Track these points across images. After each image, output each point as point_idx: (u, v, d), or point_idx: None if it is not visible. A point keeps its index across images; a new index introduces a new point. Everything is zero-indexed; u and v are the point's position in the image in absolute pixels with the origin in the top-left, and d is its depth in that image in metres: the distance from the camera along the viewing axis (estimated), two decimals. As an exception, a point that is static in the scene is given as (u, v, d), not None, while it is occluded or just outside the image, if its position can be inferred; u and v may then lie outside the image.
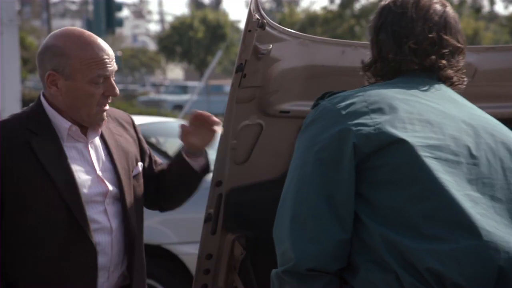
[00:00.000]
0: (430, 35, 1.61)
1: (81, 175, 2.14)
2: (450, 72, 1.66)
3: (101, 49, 2.13)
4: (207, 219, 2.53)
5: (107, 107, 2.18)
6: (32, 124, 2.12)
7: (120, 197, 2.22)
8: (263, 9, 2.35)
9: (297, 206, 1.44)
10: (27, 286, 2.10)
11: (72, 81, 2.11)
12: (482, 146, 1.49)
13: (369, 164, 1.44)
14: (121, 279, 2.26)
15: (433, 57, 1.62)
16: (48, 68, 2.12)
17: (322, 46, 2.49)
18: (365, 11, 32.45)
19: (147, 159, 2.40)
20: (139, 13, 65.12)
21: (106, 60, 2.13)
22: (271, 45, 2.36)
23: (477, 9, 31.81)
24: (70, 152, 2.15)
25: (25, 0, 45.18)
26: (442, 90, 1.63)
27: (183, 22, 40.76)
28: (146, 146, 2.41)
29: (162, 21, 63.39)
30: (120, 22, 16.52)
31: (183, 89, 30.90)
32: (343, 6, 32.64)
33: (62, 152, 2.12)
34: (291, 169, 1.49)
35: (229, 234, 2.60)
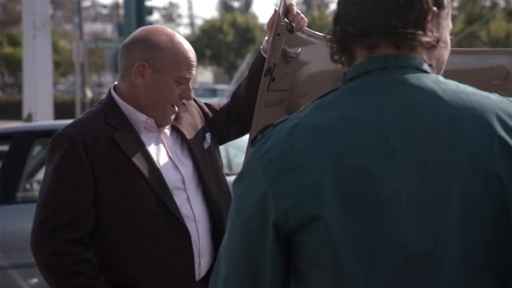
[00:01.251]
0: None
1: (162, 164, 2.20)
2: None
3: (191, 52, 2.23)
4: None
5: (177, 109, 2.25)
6: (110, 119, 2.18)
7: (199, 180, 2.26)
8: (292, 13, 2.35)
9: (226, 280, 1.30)
10: (130, 278, 2.15)
11: (160, 75, 2.18)
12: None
13: (296, 239, 1.26)
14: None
15: None
16: (139, 59, 2.18)
17: (351, 50, 2.48)
18: (395, 13, 32.18)
19: (213, 112, 2.44)
20: (169, 16, 65.55)
21: (193, 63, 2.23)
22: (299, 49, 2.36)
23: (510, 12, 31.47)
24: (148, 143, 2.21)
25: (57, 4, 45.77)
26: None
27: (212, 25, 40.93)
28: (205, 107, 2.44)
29: (192, 24, 63.73)
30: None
31: (213, 92, 30.98)
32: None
33: (142, 144, 2.19)
34: (228, 224, 1.32)
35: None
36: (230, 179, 4.75)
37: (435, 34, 1.34)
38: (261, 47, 2.47)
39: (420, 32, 1.31)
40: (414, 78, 1.30)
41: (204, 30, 41.18)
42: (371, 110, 1.28)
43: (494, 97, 1.34)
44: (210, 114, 2.43)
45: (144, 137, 2.21)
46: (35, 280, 4.45)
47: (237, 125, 2.48)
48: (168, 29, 2.27)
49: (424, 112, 1.27)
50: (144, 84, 2.19)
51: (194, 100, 2.40)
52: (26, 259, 4.41)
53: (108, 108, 2.21)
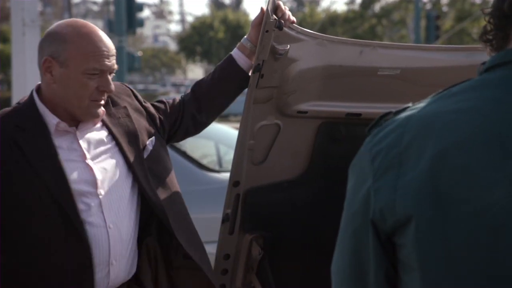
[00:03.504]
0: None
1: (70, 167, 2.07)
2: None
3: (101, 41, 2.06)
4: (224, 220, 2.54)
5: (101, 102, 2.11)
6: (20, 119, 2.07)
7: (133, 185, 2.17)
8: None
9: (337, 273, 1.32)
10: (25, 285, 2.04)
11: (66, 68, 2.05)
12: None
13: (396, 240, 1.17)
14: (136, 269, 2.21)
15: None
16: (46, 54, 2.06)
17: (340, 46, 2.48)
18: (386, 10, 32.29)
19: (161, 113, 2.35)
20: (160, 13, 65.33)
21: (105, 53, 2.06)
22: (288, 46, 2.35)
23: None
24: (60, 145, 2.09)
25: (47, 1, 45.55)
26: None
27: (203, 22, 40.85)
28: (152, 109, 2.34)
29: (182, 21, 63.56)
30: (141, 23, 16.58)
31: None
32: (364, 5, 32.50)
33: (51, 146, 2.06)
34: (343, 214, 1.25)
35: (247, 235, 2.60)
36: (221, 175, 4.77)
37: None
38: (236, 48, 2.43)
39: None
40: None
41: (195, 27, 41.08)
42: (494, 106, 1.13)
43: None
44: (157, 117, 2.33)
45: (56, 139, 2.08)
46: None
47: (186, 125, 2.40)
48: (81, 20, 2.13)
49: None
50: (53, 80, 2.06)
51: (139, 101, 2.31)
52: None
53: (24, 108, 2.10)
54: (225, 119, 23.19)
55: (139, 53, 19.80)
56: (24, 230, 2.03)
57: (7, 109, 2.13)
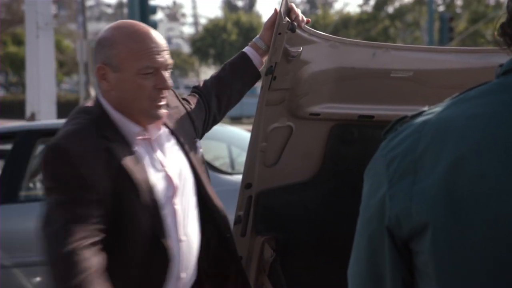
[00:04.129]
0: None
1: (156, 177, 1.99)
2: None
3: (150, 38, 1.98)
4: (236, 221, 2.54)
5: (163, 102, 2.00)
6: (103, 130, 1.96)
7: (198, 189, 2.09)
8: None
9: (353, 277, 1.32)
10: None
11: (120, 72, 1.96)
12: None
13: (413, 246, 1.15)
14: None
15: None
16: (99, 62, 1.99)
17: (353, 48, 2.48)
18: (399, 12, 32.20)
19: (197, 104, 2.30)
20: (173, 15, 65.50)
21: (154, 49, 1.97)
22: (301, 48, 2.35)
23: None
24: (142, 153, 1.99)
25: (62, 3, 45.79)
26: None
27: (216, 24, 40.92)
28: (188, 106, 2.27)
29: (196, 23, 63.67)
30: (154, 25, 16.62)
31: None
32: (377, 7, 32.42)
33: (137, 155, 1.97)
34: (358, 219, 1.25)
35: (259, 237, 2.60)
36: (233, 178, 4.77)
37: None
38: (249, 46, 2.43)
39: None
40: None
41: (208, 30, 41.16)
42: (510, 111, 1.11)
43: None
44: (194, 113, 2.27)
45: (137, 148, 1.99)
46: (37, 279, 4.45)
47: (213, 116, 2.36)
48: (128, 21, 2.07)
49: None
50: (110, 87, 1.98)
51: (179, 99, 2.24)
52: (28, 258, 4.42)
53: (98, 117, 1.99)
54: (237, 121, 23.19)
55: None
56: (120, 243, 1.93)
57: (80, 120, 1.98)
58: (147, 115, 2.00)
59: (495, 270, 1.09)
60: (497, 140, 1.10)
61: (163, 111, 2.01)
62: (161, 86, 1.98)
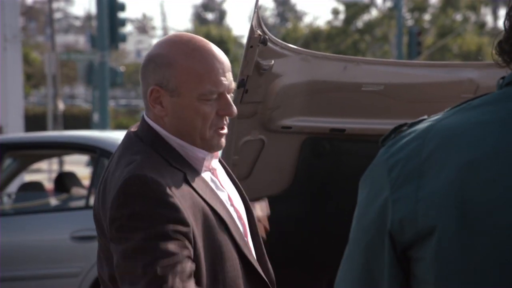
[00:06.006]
0: None
1: (227, 206, 1.80)
2: None
3: (213, 57, 1.72)
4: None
5: (225, 130, 1.75)
6: (169, 158, 1.72)
7: (248, 216, 1.91)
8: (266, 25, 2.35)
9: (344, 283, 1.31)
10: None
11: (178, 97, 1.70)
12: None
13: (413, 253, 1.14)
14: None
15: None
16: (151, 83, 1.72)
17: (324, 62, 2.49)
18: (369, 26, 32.54)
19: None
20: (143, 28, 65.37)
21: (220, 71, 1.71)
22: (273, 61, 2.36)
23: (481, 25, 31.93)
24: (210, 183, 1.78)
25: (31, 16, 45.44)
26: None
27: (186, 37, 40.87)
28: None
29: (165, 36, 63.45)
30: (123, 38, 16.56)
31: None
32: (347, 21, 32.74)
33: (207, 184, 1.75)
34: (351, 228, 1.23)
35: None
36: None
37: None
38: None
39: None
40: None
41: (178, 42, 41.09)
42: None
43: None
44: None
45: (203, 175, 1.77)
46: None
47: None
48: (186, 34, 1.78)
49: None
50: (165, 112, 1.72)
51: None
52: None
53: (159, 145, 1.73)
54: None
55: (122, 68, 19.76)
56: (218, 273, 1.74)
57: (142, 151, 1.72)
58: (207, 145, 1.74)
59: (502, 277, 1.08)
60: (509, 147, 1.10)
61: (224, 139, 1.77)
62: (225, 112, 1.73)
